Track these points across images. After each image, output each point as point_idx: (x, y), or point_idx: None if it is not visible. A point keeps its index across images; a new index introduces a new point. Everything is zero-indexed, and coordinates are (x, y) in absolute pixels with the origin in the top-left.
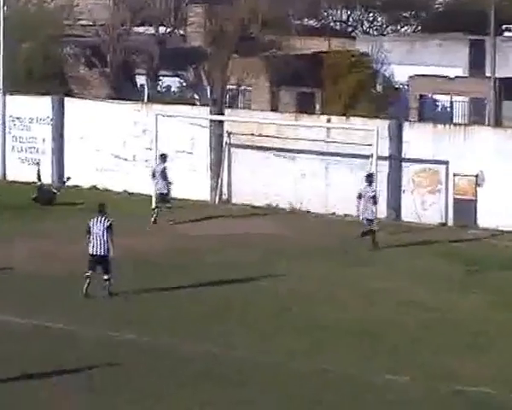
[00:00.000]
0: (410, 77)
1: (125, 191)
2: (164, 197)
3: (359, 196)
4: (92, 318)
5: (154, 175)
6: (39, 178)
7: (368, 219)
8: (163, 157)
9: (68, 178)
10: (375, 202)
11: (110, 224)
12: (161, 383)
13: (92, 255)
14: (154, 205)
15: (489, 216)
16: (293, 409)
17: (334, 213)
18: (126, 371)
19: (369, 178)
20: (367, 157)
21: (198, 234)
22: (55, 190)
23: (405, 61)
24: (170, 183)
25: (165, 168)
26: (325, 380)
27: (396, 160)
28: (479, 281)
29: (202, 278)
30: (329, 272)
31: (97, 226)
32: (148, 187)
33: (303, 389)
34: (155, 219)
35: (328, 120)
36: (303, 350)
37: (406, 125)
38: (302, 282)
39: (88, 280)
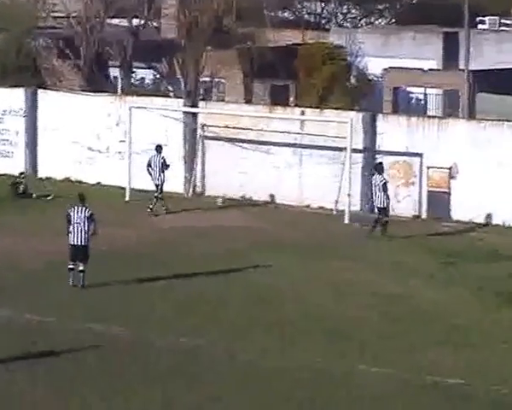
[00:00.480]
0: (384, 69)
1: (98, 183)
2: (157, 188)
3: (371, 187)
4: (64, 310)
5: (149, 166)
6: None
7: (379, 208)
8: (159, 148)
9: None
10: (385, 191)
11: (91, 213)
12: (133, 378)
13: (72, 245)
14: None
15: (463, 208)
16: (264, 406)
17: (308, 206)
18: (97, 365)
19: (379, 167)
20: (341, 149)
21: (172, 226)
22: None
23: (379, 54)
24: (165, 175)
25: (164, 159)
26: (297, 376)
27: (370, 152)
28: (453, 273)
29: (175, 271)
30: (302, 266)
31: (78, 216)
32: (122, 179)
33: (275, 386)
34: (152, 209)
35: (302, 113)
36: (275, 346)
37: (380, 117)
38: (275, 275)
39: (72, 272)
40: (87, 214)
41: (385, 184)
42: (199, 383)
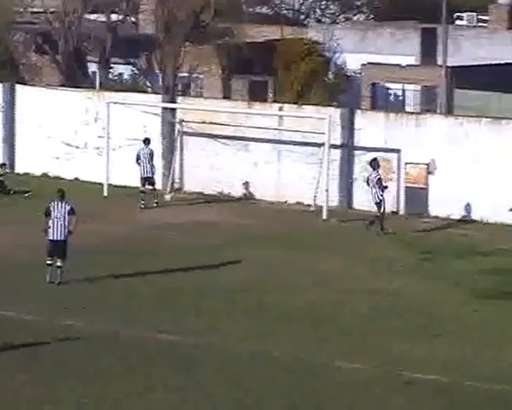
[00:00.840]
0: (363, 65)
1: (76, 179)
2: (151, 181)
3: (367, 183)
4: (43, 305)
5: (138, 159)
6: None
7: (375, 203)
8: (148, 141)
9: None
10: (380, 186)
11: (71, 207)
12: (111, 368)
13: (52, 240)
14: (150, 188)
15: (440, 204)
16: (243, 394)
17: (286, 202)
18: (76, 356)
19: (373, 163)
20: (319, 145)
21: (150, 221)
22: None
23: (358, 50)
24: (154, 166)
25: (152, 152)
26: (276, 365)
27: (348, 148)
28: (431, 268)
29: (154, 266)
30: (281, 258)
31: (58, 211)
32: (100, 175)
33: (254, 375)
34: (144, 204)
35: (281, 108)
36: (255, 336)
37: (358, 113)
38: (254, 269)
39: (50, 268)
40: (67, 209)
41: (379, 179)
42: (177, 373)
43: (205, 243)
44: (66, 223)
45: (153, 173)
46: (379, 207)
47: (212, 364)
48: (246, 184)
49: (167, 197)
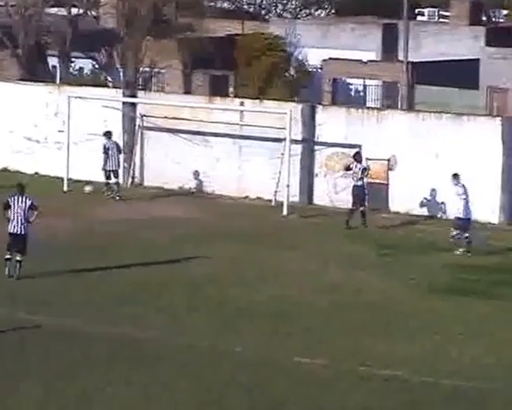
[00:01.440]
0: (324, 60)
1: (36, 173)
2: (116, 174)
3: (347, 168)
4: (3, 299)
5: (107, 151)
6: None
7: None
8: (110, 134)
9: None
10: (364, 173)
11: (32, 202)
12: (74, 365)
13: (11, 234)
14: (114, 181)
15: (401, 200)
16: (205, 390)
17: (247, 197)
18: (37, 351)
19: (356, 156)
20: (280, 141)
21: (110, 217)
22: None
23: (319, 45)
24: (120, 159)
25: (118, 144)
26: (237, 361)
27: (309, 143)
28: (391, 264)
29: (115, 261)
30: (242, 255)
31: (18, 205)
32: (60, 169)
33: (215, 371)
34: (113, 195)
35: (242, 104)
36: (216, 332)
37: (319, 108)
38: (215, 264)
39: (9, 262)
40: (28, 204)
41: (364, 169)
42: (140, 369)
43: (164, 239)
44: (26, 218)
45: (119, 166)
46: (363, 200)
47: (175, 359)
48: (196, 174)
49: (86, 189)
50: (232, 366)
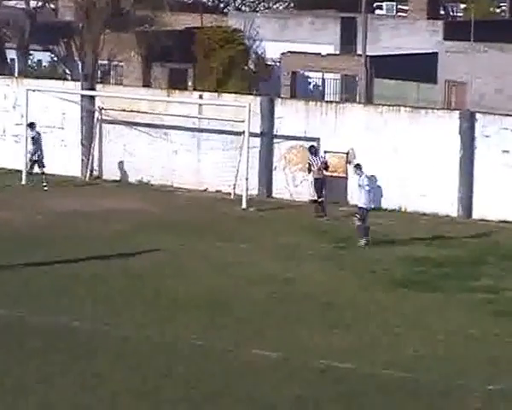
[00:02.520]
0: (282, 54)
1: None
2: (43, 163)
3: (309, 170)
4: None
5: (36, 142)
6: None
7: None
8: (33, 125)
9: None
10: (326, 168)
11: None
12: (8, 356)
13: None
14: (39, 171)
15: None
16: (141, 381)
17: (206, 190)
18: None
19: (312, 149)
20: (239, 134)
21: (63, 209)
22: None
23: (277, 38)
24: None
25: (40, 134)
26: (174, 352)
27: (268, 136)
28: (345, 257)
29: (56, 253)
30: (187, 246)
31: None
32: (18, 162)
33: (152, 362)
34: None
35: (200, 96)
36: (152, 322)
37: (278, 101)
38: (158, 256)
39: None
40: None
41: (325, 162)
42: (76, 360)
43: (112, 231)
44: None
45: (43, 156)
46: (321, 192)
47: (111, 350)
48: (120, 164)
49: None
50: (168, 357)
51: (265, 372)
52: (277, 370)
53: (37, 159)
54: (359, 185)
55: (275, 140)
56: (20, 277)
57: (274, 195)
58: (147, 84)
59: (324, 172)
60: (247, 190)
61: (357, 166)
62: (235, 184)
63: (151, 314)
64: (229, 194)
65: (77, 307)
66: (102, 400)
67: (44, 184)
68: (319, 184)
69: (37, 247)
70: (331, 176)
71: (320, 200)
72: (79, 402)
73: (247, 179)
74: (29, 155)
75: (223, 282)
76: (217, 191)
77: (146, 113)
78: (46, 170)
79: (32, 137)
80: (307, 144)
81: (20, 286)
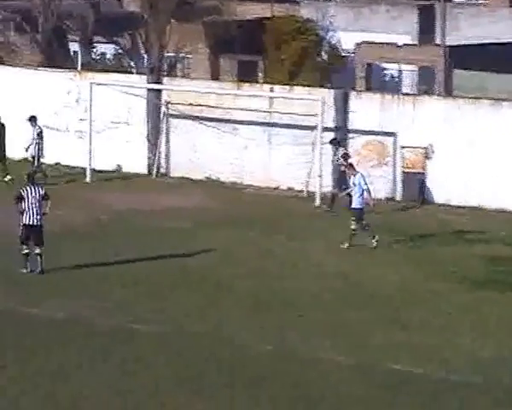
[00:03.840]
0: (357, 44)
1: (57, 164)
2: (37, 161)
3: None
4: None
5: (41, 138)
6: None
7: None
8: (35, 118)
9: None
10: (346, 160)
11: (45, 192)
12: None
13: (27, 225)
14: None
15: (438, 190)
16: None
17: (277, 187)
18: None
19: (333, 142)
20: (312, 128)
21: (127, 207)
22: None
23: (352, 28)
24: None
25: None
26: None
27: (342, 131)
28: (419, 256)
29: (112, 247)
30: (253, 245)
31: (32, 196)
32: (83, 160)
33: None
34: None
35: (271, 90)
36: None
37: (352, 94)
38: (219, 253)
39: (28, 257)
40: (42, 193)
41: (345, 154)
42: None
43: (179, 227)
44: (40, 208)
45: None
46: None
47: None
48: (238, 177)
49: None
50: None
51: (323, 368)
52: (341, 368)
53: (35, 155)
54: (353, 184)
55: (349, 135)
56: (79, 273)
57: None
58: (215, 76)
59: (343, 163)
60: (320, 187)
61: (351, 165)
62: (307, 181)
63: (212, 311)
64: (302, 191)
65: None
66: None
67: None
68: (338, 176)
69: (98, 245)
70: (408, 172)
71: (333, 191)
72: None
73: (320, 176)
74: (37, 152)
75: (290, 280)
76: (288, 189)
77: (214, 107)
78: (113, 167)
79: (38, 133)
80: (383, 139)
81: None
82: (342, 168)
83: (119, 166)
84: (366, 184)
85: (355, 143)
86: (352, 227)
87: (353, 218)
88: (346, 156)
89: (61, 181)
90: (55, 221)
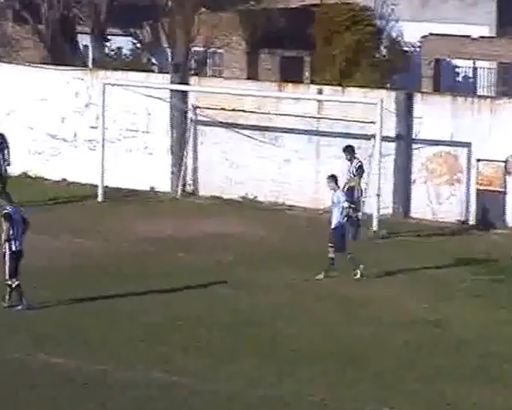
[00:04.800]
0: (423, 37)
1: (63, 180)
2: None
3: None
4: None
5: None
6: None
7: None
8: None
9: None
10: (361, 174)
11: (24, 214)
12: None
13: (17, 253)
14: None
15: None
16: None
17: (323, 209)
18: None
19: (348, 150)
20: (369, 138)
21: (152, 235)
22: None
23: (417, 18)
24: None
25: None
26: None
27: (405, 141)
28: (504, 293)
29: (145, 288)
30: (305, 281)
31: (18, 219)
32: (94, 175)
33: None
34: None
35: (320, 91)
36: (268, 376)
37: (418, 97)
38: (267, 295)
39: (20, 289)
40: (21, 215)
41: (360, 166)
42: None
43: (214, 261)
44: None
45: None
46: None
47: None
48: (281, 197)
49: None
50: None
51: None
52: None
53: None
54: (333, 202)
55: (414, 146)
56: (105, 317)
57: (412, 214)
58: (253, 76)
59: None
60: (378, 208)
61: (332, 178)
62: (363, 202)
63: (265, 367)
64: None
65: (172, 358)
66: None
67: None
68: (351, 193)
69: (124, 281)
70: (484, 190)
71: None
72: None
73: (378, 196)
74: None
75: (353, 327)
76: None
77: (251, 112)
78: (129, 184)
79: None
80: (454, 150)
81: (105, 330)
82: (352, 184)
83: (152, 188)
84: (346, 201)
85: (420, 156)
86: (330, 255)
87: (331, 245)
88: (360, 170)
89: (70, 200)
90: (73, 252)
